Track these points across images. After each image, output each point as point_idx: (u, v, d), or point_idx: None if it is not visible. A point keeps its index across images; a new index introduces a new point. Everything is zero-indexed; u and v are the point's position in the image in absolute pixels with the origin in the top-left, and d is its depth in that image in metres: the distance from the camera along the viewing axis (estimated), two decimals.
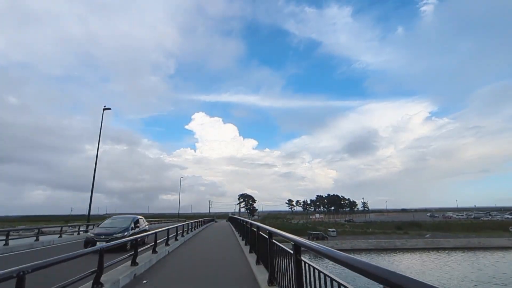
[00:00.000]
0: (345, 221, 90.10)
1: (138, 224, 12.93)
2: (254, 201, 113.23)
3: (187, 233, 16.55)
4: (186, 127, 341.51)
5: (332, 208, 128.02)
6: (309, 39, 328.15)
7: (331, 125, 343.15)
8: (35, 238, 13.92)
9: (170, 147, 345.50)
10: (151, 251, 9.00)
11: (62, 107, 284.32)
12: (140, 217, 13.90)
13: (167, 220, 48.33)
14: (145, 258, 7.94)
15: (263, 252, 6.75)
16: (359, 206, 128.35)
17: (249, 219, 23.25)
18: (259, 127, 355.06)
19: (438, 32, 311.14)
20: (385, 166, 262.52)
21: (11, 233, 12.73)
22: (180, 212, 76.06)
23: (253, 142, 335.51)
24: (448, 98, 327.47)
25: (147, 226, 14.26)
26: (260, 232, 7.04)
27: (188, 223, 18.02)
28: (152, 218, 45.72)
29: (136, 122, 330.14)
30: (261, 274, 5.93)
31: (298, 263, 3.31)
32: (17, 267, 2.94)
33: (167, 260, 8.94)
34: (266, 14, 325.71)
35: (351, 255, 1.96)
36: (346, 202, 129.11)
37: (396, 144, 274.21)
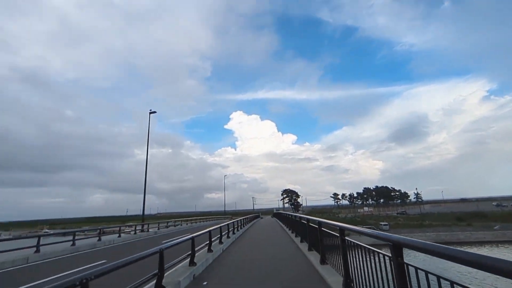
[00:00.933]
0: (397, 213, 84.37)
1: None
2: (297, 196, 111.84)
3: (237, 230, 16.43)
4: (225, 126, 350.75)
5: (382, 200, 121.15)
6: (344, 26, 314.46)
7: (375, 113, 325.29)
8: (97, 238, 14.85)
9: (211, 147, 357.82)
10: (206, 249, 8.84)
11: (111, 116, 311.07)
12: None
13: (213, 217, 49.71)
14: (202, 257, 7.74)
15: (328, 251, 6.09)
16: (412, 197, 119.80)
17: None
18: (297, 121, 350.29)
19: (492, 0, 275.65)
20: (438, 153, 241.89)
21: (77, 233, 13.71)
22: (225, 209, 78.06)
23: (292, 137, 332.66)
24: (509, 73, 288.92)
25: None
26: (323, 229, 6.39)
27: (238, 220, 17.92)
28: (199, 216, 47.26)
29: (178, 126, 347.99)
30: (331, 276, 5.27)
31: (400, 267, 2.59)
32: (80, 275, 2.73)
33: (223, 259, 8.69)
34: (298, 5, 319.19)
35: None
36: (397, 193, 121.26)
37: (449, 129, 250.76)
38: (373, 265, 3.37)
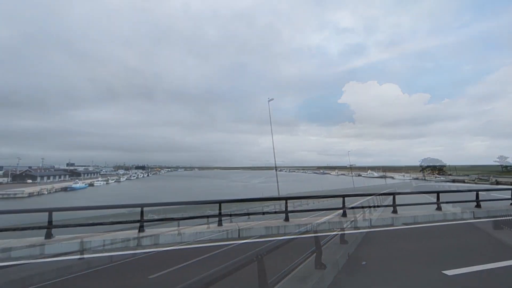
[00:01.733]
0: None
1: None
2: (443, 165, 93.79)
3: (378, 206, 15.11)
4: (339, 101, 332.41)
5: None
6: None
7: None
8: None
9: (328, 123, 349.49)
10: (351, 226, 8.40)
11: (237, 113, 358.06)
12: None
13: (344, 195, 48.32)
14: (350, 235, 7.33)
15: None
16: None
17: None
18: (427, 76, 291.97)
19: None
20: None
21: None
22: (354, 185, 74.98)
23: (424, 97, 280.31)
24: None
25: None
26: None
27: (376, 196, 16.49)
28: (329, 197, 47.02)
29: (292, 109, 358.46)
30: None
31: None
32: (255, 251, 2.90)
33: (371, 237, 8.01)
34: None
35: None
36: None
37: None
38: None
